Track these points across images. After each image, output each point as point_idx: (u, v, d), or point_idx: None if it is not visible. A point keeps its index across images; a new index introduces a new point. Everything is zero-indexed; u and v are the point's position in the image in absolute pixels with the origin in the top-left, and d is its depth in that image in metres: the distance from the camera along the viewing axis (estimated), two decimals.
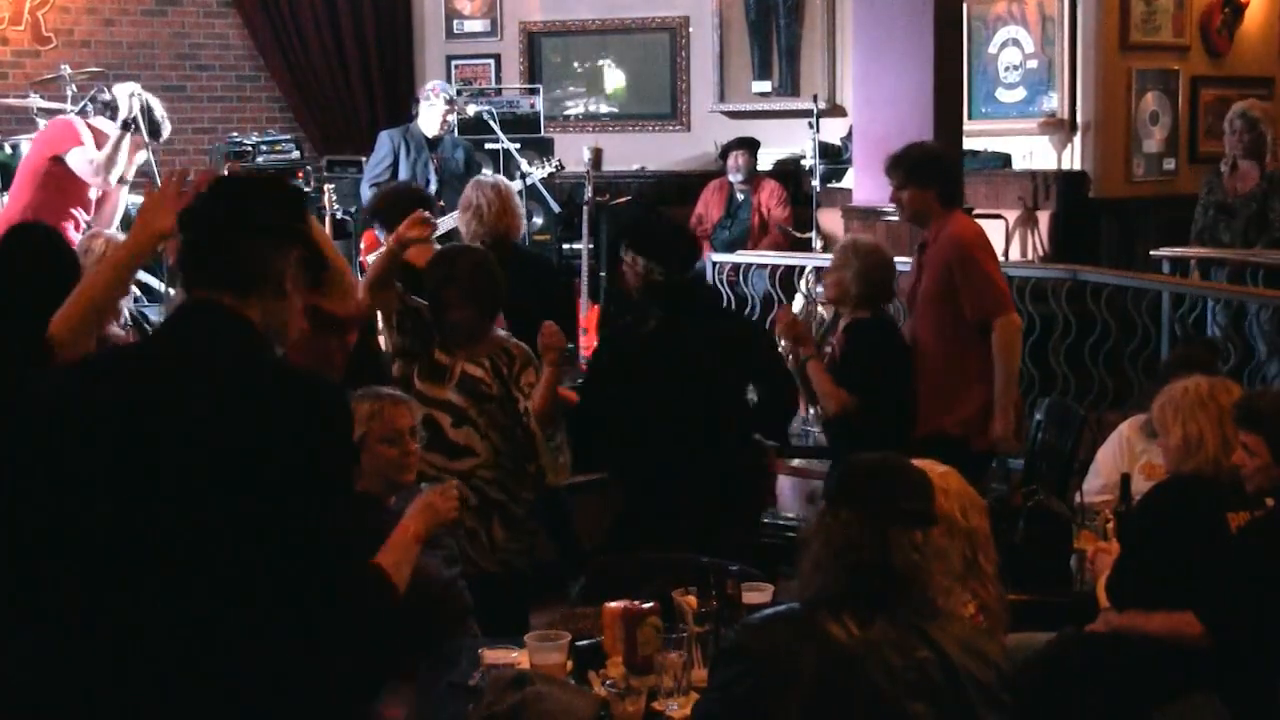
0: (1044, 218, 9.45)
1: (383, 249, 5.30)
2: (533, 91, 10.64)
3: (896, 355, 5.82)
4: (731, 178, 10.18)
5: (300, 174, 9.39)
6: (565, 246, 9.70)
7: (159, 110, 7.27)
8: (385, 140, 8.77)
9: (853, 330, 5.84)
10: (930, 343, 5.77)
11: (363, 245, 7.87)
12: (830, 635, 2.82)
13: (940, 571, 3.02)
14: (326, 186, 8.71)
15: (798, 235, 9.96)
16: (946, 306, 5.69)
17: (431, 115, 8.80)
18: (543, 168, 8.86)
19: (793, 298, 8.96)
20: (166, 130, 7.35)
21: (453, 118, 8.93)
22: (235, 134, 10.15)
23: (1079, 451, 6.25)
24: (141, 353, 2.97)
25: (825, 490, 3.03)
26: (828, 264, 5.93)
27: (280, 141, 9.61)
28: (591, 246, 9.29)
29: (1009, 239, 9.32)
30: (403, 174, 8.63)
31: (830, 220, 9.62)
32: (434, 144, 8.80)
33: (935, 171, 5.76)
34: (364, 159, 9.34)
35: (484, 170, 8.93)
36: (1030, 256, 9.23)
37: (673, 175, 11.16)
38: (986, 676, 2.90)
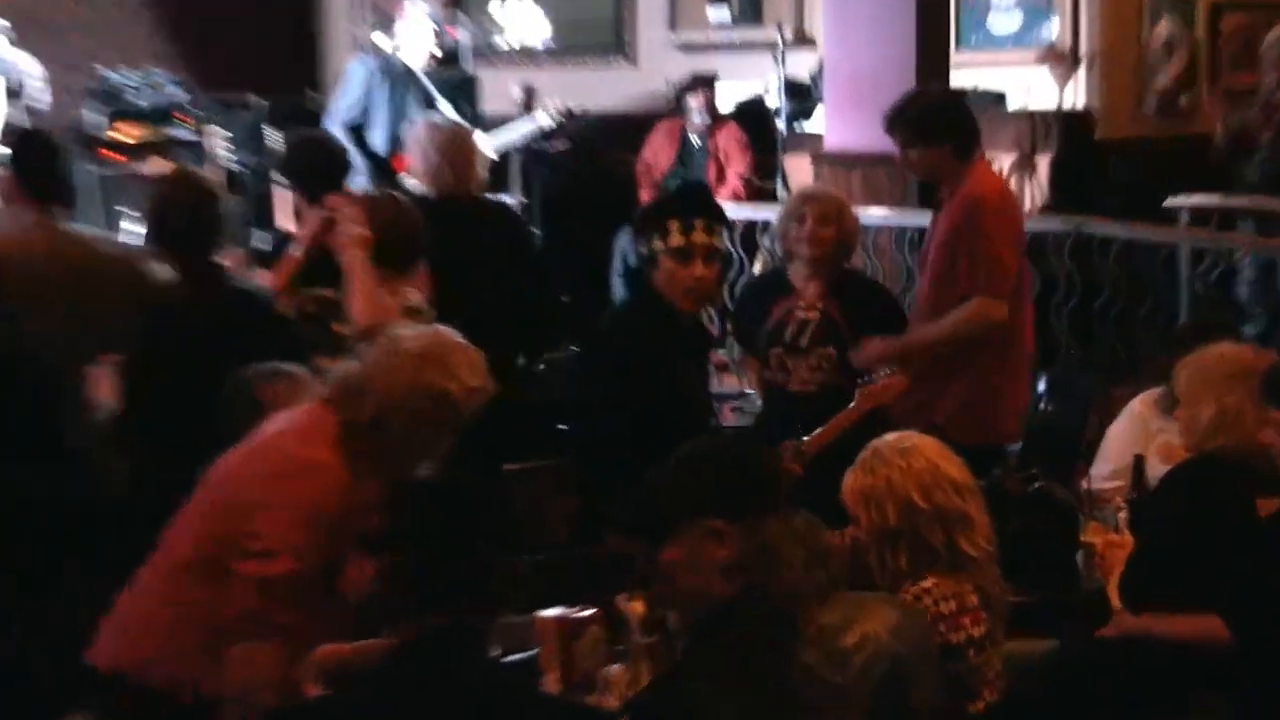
0: (1043, 163, 9.49)
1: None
2: (453, 22, 10.49)
3: (899, 314, 6.00)
4: (696, 119, 10.15)
5: (182, 116, 9.26)
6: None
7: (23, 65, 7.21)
8: (358, 72, 8.56)
9: (847, 286, 5.87)
10: (928, 317, 5.82)
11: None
12: (748, 685, 2.81)
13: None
14: (212, 130, 8.57)
15: (761, 185, 9.96)
16: (949, 276, 5.71)
17: (414, 40, 8.58)
18: (546, 112, 8.80)
19: (754, 257, 9.01)
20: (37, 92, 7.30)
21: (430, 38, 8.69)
22: (108, 71, 9.96)
23: (1085, 431, 6.26)
24: None
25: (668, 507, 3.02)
26: (795, 218, 5.89)
27: (160, 79, 9.47)
28: (525, 201, 9.33)
29: None
30: (383, 116, 8.44)
31: (798, 168, 9.56)
32: (414, 77, 8.59)
33: (945, 123, 5.73)
34: (251, 96, 9.21)
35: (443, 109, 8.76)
36: (1028, 208, 9.25)
37: (618, 117, 11.06)
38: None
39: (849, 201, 6.12)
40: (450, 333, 3.85)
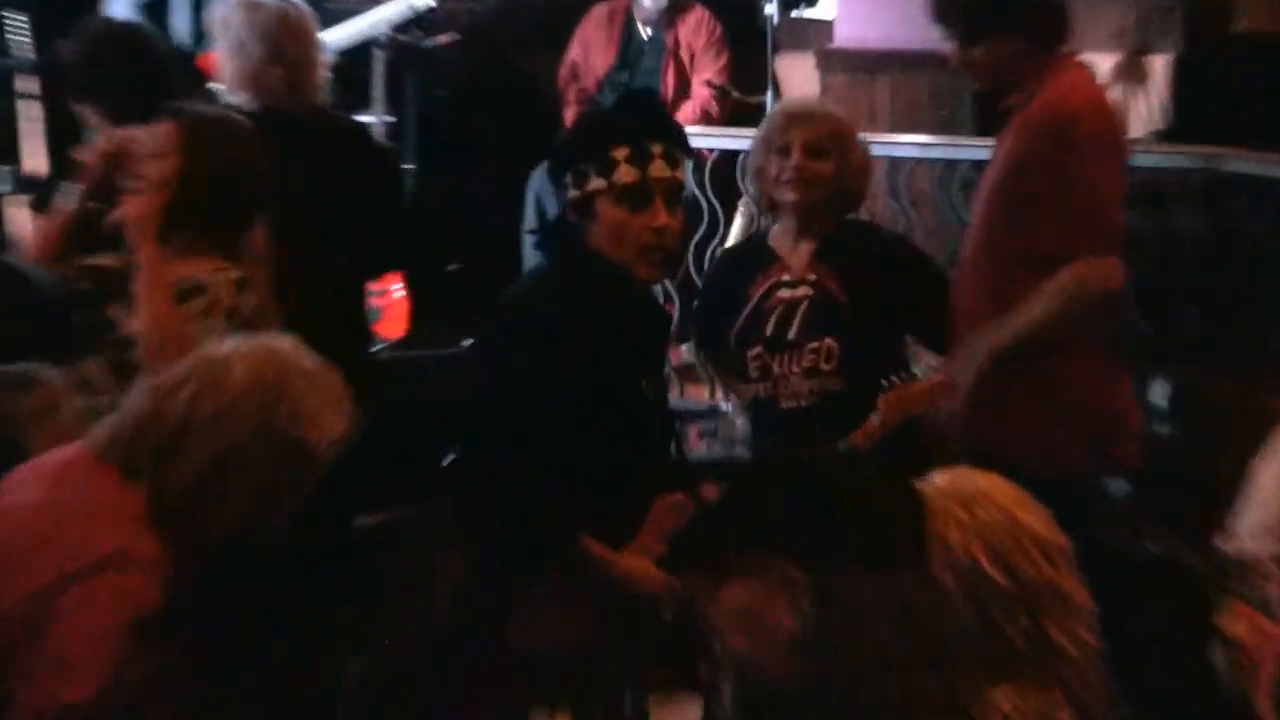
0: (1158, 68, 9.56)
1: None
2: None
3: (929, 277, 6.03)
4: (646, 3, 10.16)
5: None
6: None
7: None
8: None
9: (844, 242, 5.89)
10: (977, 291, 5.81)
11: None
12: None
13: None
14: None
15: (740, 98, 10.00)
16: (1016, 225, 5.69)
17: None
18: None
19: (733, 210, 9.12)
20: None
21: None
22: None
23: (1222, 464, 6.14)
24: None
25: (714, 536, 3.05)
26: (775, 148, 5.96)
27: None
28: (394, 120, 9.42)
29: None
30: None
31: (797, 73, 9.70)
32: None
33: (1022, 1, 5.73)
34: None
35: None
36: (1137, 133, 9.16)
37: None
38: None
39: (867, 123, 6.15)
40: (291, 348, 3.89)
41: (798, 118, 5.94)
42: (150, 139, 5.17)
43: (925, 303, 5.82)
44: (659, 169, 5.02)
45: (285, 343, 3.93)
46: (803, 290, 5.80)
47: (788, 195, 5.78)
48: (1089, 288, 5.58)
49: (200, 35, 8.24)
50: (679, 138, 5.23)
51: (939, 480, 3.53)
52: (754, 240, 6.23)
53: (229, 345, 3.95)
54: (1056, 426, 5.66)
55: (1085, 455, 5.73)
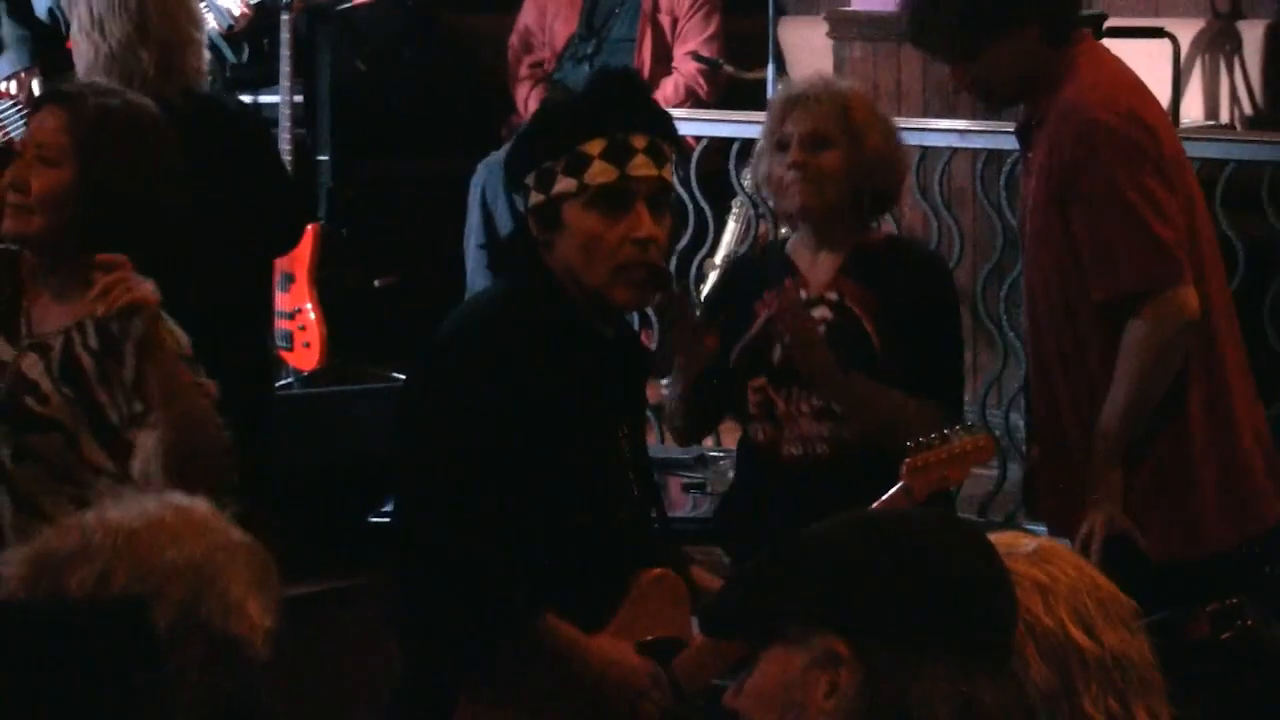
0: (1252, 36, 9.53)
1: None
2: None
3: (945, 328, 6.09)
4: None
5: None
6: (245, 100, 9.62)
7: None
8: None
9: (876, 257, 5.91)
10: (1045, 336, 5.90)
11: None
12: None
13: None
14: None
15: (735, 73, 10.02)
16: (1071, 277, 5.72)
17: None
18: None
19: (725, 213, 9.26)
20: None
21: None
22: None
23: None
24: None
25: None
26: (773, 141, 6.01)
27: None
28: (298, 100, 9.41)
29: (1180, 81, 9.29)
30: None
31: (804, 41, 9.83)
32: None
33: None
34: None
35: None
36: (1226, 118, 9.43)
37: None
38: None
39: (893, 104, 6.50)
40: (212, 515, 3.63)
41: (793, 102, 5.95)
42: (37, 134, 5.12)
43: (931, 359, 5.85)
44: (642, 166, 4.93)
45: (202, 507, 3.64)
46: (820, 311, 5.78)
47: (790, 201, 5.76)
48: (1164, 330, 5.62)
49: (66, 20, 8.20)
50: (666, 128, 5.15)
51: (999, 541, 3.32)
52: (770, 247, 6.37)
53: (137, 507, 3.64)
54: (1166, 494, 5.70)
55: (1204, 525, 5.72)
